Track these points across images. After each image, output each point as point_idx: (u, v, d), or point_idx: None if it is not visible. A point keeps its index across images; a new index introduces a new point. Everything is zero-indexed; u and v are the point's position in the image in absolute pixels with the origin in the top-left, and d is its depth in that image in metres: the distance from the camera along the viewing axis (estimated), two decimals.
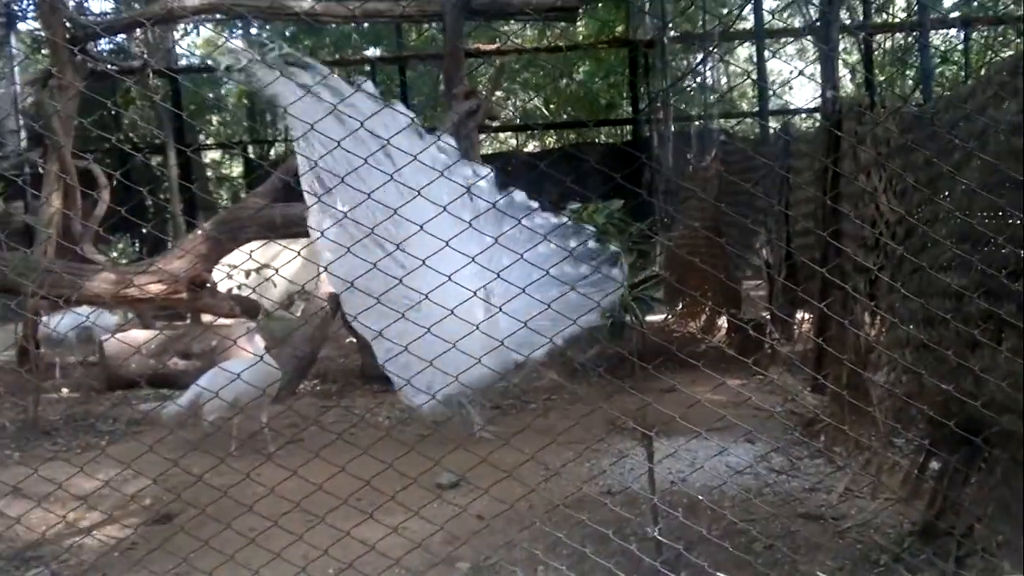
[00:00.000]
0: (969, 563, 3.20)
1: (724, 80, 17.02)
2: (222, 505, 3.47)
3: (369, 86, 5.33)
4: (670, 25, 12.57)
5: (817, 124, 12.05)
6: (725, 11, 14.60)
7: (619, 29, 15.44)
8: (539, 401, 6.52)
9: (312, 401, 6.39)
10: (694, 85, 13.81)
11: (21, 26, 13.14)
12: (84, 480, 4.01)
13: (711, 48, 12.86)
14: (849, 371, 4.70)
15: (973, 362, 3.19)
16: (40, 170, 8.04)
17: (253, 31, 14.15)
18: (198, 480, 3.33)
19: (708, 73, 13.53)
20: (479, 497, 4.00)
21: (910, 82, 13.41)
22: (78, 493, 3.73)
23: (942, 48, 14.37)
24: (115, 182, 5.74)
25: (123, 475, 4.35)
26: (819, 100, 11.16)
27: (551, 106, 18.10)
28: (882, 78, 13.31)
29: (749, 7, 12.44)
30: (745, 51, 17.00)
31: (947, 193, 3.79)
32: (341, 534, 3.21)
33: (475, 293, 3.77)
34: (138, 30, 10.82)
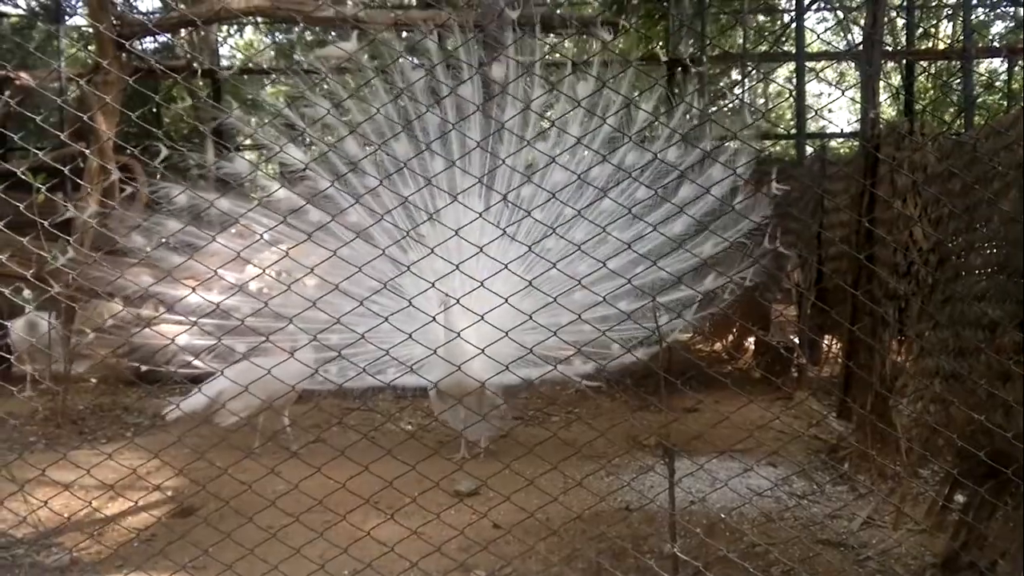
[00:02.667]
0: None
1: (762, 101, 16.94)
2: (244, 500, 3.51)
3: None
4: (708, 44, 12.56)
5: (854, 148, 11.96)
6: (766, 33, 14.56)
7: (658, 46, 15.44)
8: (561, 413, 6.51)
9: (335, 402, 6.42)
10: (732, 105, 13.76)
11: (68, 21, 13.43)
12: (108, 470, 4.06)
13: (751, 68, 12.83)
14: (876, 398, 4.66)
15: (1004, 394, 3.15)
16: (81, 163, 8.16)
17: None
18: (223, 473, 3.36)
19: (746, 93, 13.51)
20: (498, 505, 4.01)
21: (951, 109, 13.29)
22: (101, 482, 3.77)
23: (985, 76, 14.22)
24: (158, 177, 5.85)
25: (147, 466, 4.41)
26: (858, 124, 11.07)
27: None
28: (923, 104, 13.19)
29: (791, 28, 12.42)
30: (784, 72, 16.92)
31: (984, 222, 3.75)
32: (360, 534, 3.23)
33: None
34: (183, 30, 10.99)
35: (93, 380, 7.57)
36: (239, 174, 5.75)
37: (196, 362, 5.22)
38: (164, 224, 5.35)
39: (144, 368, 5.33)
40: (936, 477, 4.29)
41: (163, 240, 5.14)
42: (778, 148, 14.25)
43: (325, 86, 6.13)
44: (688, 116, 6.27)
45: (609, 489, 4.75)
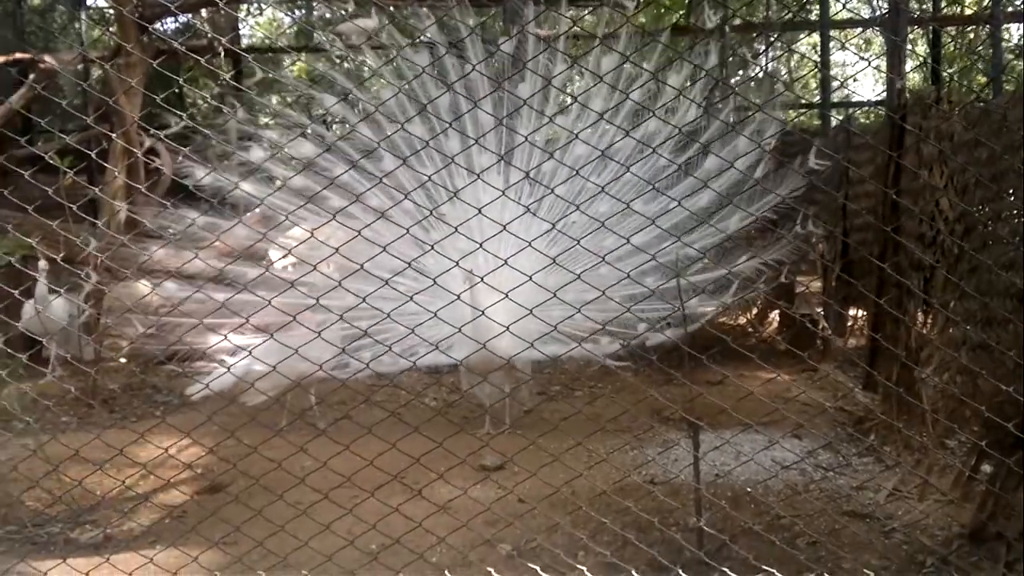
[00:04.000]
0: (1018, 568, 3.15)
1: (785, 71, 16.69)
2: (273, 477, 3.56)
3: None
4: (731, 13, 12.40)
5: (880, 117, 11.80)
6: (790, 1, 14.35)
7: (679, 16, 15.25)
8: (585, 388, 6.53)
9: (361, 379, 6.47)
10: (756, 75, 13.59)
11: (90, 2, 13.49)
12: (139, 448, 4.13)
13: (774, 38, 12.66)
14: (902, 370, 4.64)
15: None
16: (105, 145, 8.23)
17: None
18: (253, 451, 3.41)
19: (770, 63, 13.32)
20: (525, 480, 4.03)
21: (980, 77, 13.06)
22: (133, 460, 3.84)
23: (1014, 42, 13.96)
24: (180, 158, 5.90)
25: (177, 445, 4.47)
26: (884, 93, 10.90)
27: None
28: (950, 71, 12.96)
29: None
30: (808, 42, 16.69)
31: (1011, 191, 3.71)
32: (387, 509, 3.27)
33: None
34: (204, 10, 10.99)
35: (123, 360, 7.65)
36: (256, 162, 5.73)
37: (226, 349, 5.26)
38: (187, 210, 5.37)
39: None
40: (963, 448, 4.27)
41: (190, 223, 5.16)
42: (803, 119, 14.08)
43: (345, 66, 6.12)
44: (713, 87, 6.20)
45: (634, 464, 4.77)
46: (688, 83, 6.31)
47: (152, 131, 7.12)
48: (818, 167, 5.49)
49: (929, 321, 4.88)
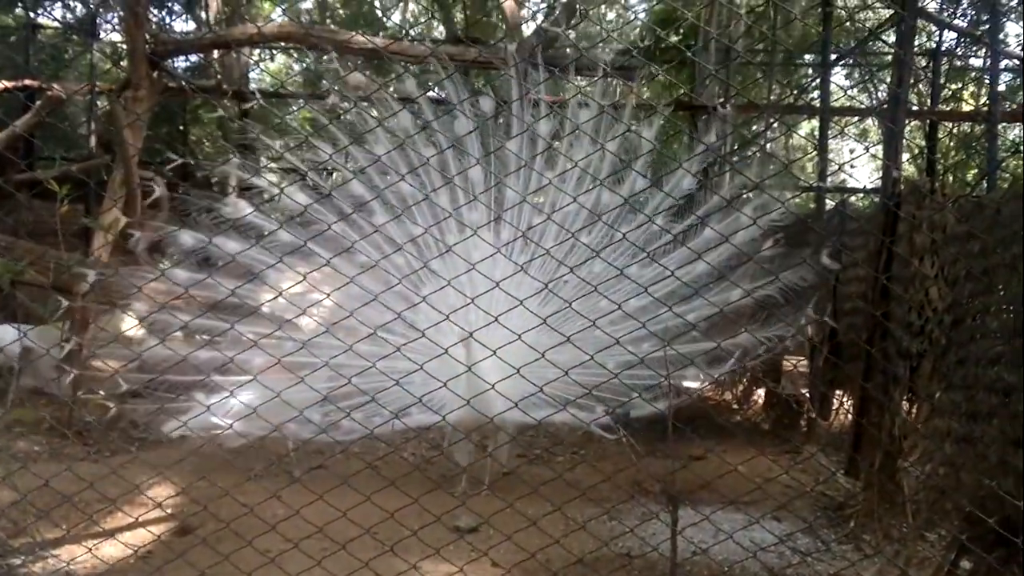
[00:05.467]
0: None
1: (783, 153, 16.95)
2: (243, 522, 3.50)
3: None
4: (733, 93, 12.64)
5: (875, 204, 11.92)
6: (791, 86, 14.63)
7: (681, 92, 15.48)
8: (567, 454, 6.47)
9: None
10: (754, 155, 13.79)
11: (103, 37, 13.67)
12: (109, 484, 4.06)
13: (773, 120, 12.86)
14: (885, 457, 4.61)
15: (1017, 460, 3.11)
16: (105, 176, 8.26)
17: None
18: (225, 494, 3.35)
19: (769, 145, 13.52)
20: (499, 544, 3.96)
21: (972, 171, 13.27)
22: (103, 495, 3.76)
23: (1011, 141, 14.19)
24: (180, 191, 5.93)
25: (148, 482, 4.39)
26: (879, 181, 11.02)
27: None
28: (945, 165, 13.18)
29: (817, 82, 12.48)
30: (808, 126, 16.96)
31: (1001, 286, 3.74)
32: (357, 564, 3.21)
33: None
34: (215, 51, 11.13)
35: (101, 393, 7.56)
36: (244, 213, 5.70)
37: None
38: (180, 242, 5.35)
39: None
40: (943, 541, 4.22)
41: (179, 259, 5.15)
42: (799, 201, 14.24)
43: (349, 117, 6.15)
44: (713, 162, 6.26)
45: (611, 534, 4.70)
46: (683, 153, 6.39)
47: (154, 165, 7.14)
48: (832, 267, 5.44)
49: (914, 410, 4.87)
